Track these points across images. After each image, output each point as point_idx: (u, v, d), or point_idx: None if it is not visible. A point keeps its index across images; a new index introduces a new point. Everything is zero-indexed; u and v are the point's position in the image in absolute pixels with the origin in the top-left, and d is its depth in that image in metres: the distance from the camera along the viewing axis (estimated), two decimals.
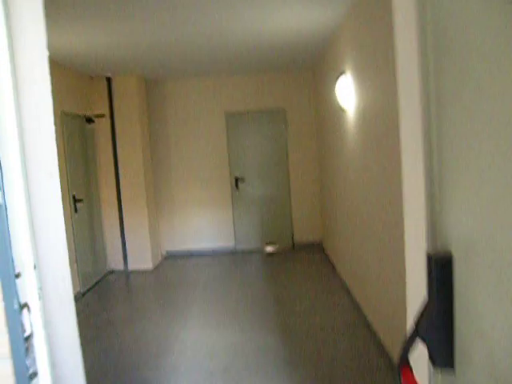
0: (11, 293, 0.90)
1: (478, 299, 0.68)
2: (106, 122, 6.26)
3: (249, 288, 5.27)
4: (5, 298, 0.91)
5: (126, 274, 6.34)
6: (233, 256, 6.84)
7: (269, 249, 6.94)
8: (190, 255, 6.99)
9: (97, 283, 5.87)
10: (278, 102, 6.85)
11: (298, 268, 6.05)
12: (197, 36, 4.45)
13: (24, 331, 0.93)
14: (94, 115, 6.18)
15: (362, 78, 3.73)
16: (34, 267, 0.95)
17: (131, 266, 6.40)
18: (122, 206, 6.36)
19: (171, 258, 6.98)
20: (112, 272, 6.38)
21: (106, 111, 6.24)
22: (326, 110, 5.73)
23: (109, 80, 6.21)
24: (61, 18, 3.60)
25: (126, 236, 6.40)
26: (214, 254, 6.96)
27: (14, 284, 0.91)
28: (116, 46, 4.67)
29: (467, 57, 0.71)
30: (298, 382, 3.09)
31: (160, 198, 6.96)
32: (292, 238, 7.04)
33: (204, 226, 7.04)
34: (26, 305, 0.94)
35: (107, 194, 6.35)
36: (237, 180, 6.97)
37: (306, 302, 4.67)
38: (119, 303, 5.36)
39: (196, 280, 5.76)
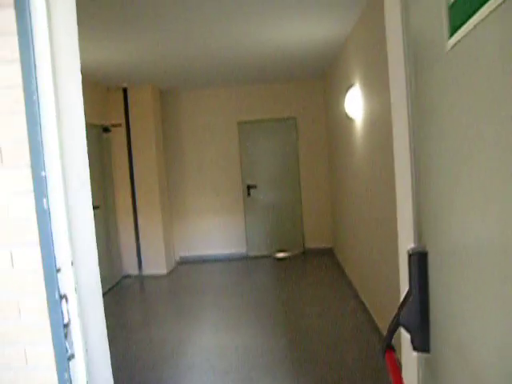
0: (53, 285, 1.05)
1: (448, 290, 0.80)
2: (122, 131, 6.47)
3: (260, 292, 5.38)
4: (47, 290, 1.06)
5: (141, 278, 6.50)
6: (245, 262, 6.96)
7: (280, 254, 7.05)
8: (203, 261, 7.13)
9: (112, 287, 6.04)
10: (290, 111, 6.99)
11: (309, 273, 6.15)
12: (211, 48, 4.62)
13: (63, 319, 1.08)
14: (110, 124, 6.39)
15: (370, 89, 3.85)
16: (72, 264, 1.10)
17: (146, 271, 6.57)
18: (137, 213, 6.54)
19: (185, 263, 7.13)
20: (127, 277, 6.56)
21: (122, 121, 6.45)
22: (336, 120, 5.86)
23: (125, 90, 6.42)
24: (78, 32, 3.79)
25: (140, 242, 6.58)
26: (227, 260, 7.09)
27: (56, 277, 1.06)
28: (132, 58, 4.87)
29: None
30: (307, 382, 3.20)
31: (174, 204, 7.13)
32: (303, 243, 7.14)
33: (217, 233, 7.18)
34: (64, 296, 1.08)
35: (123, 200, 6.54)
36: (249, 187, 7.11)
37: (316, 306, 4.76)
38: (134, 307, 5.52)
39: (209, 285, 5.91)
